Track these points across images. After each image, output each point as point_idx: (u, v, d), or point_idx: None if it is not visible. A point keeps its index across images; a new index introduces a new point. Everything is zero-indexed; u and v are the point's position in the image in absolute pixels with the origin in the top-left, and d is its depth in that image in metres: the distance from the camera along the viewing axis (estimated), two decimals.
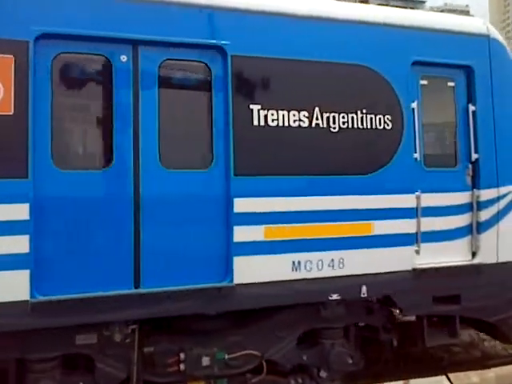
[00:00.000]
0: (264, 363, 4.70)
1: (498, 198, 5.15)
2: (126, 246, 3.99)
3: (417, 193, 4.81)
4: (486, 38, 5.21)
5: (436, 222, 4.93)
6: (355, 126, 4.62)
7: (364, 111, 4.65)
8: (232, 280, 4.22)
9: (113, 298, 3.94)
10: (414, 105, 4.85)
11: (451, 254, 5.02)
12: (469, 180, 5.12)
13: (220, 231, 4.22)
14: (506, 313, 5.30)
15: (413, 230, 4.82)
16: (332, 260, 4.53)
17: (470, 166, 5.11)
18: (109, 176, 3.97)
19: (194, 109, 4.29)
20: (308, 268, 4.46)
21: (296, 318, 4.73)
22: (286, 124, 4.39)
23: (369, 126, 4.66)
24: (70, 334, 4.11)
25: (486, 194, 5.09)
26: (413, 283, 4.80)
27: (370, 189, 4.65)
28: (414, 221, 4.82)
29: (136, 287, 4.04)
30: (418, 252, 4.84)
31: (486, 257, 5.09)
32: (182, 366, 4.40)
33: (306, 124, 4.46)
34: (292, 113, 4.41)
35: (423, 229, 4.87)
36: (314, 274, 4.47)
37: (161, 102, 4.09)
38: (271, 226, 4.35)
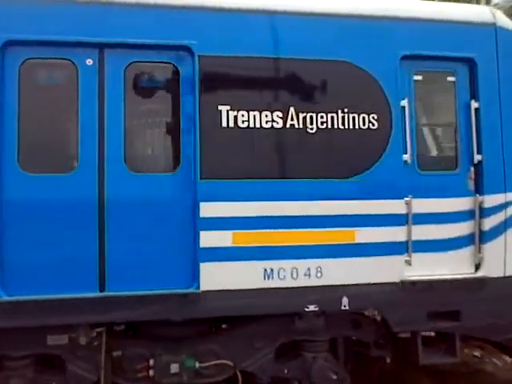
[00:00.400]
0: (239, 374, 4.59)
1: (506, 205, 4.71)
2: None
3: (407, 198, 4.51)
4: (491, 27, 4.80)
5: (432, 231, 4.60)
6: (335, 126, 4.40)
7: (345, 110, 4.42)
8: (199, 286, 4.16)
9: (76, 300, 4.01)
10: (405, 102, 4.54)
11: (450, 266, 4.65)
12: (471, 184, 4.73)
13: (186, 236, 4.17)
14: None
15: (402, 239, 4.52)
16: (308, 269, 4.34)
17: (472, 168, 4.72)
18: (72, 178, 4.05)
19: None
20: (281, 276, 4.30)
21: (274, 329, 4.57)
22: (258, 125, 4.28)
23: (350, 127, 4.43)
24: (41, 334, 4.23)
25: (490, 200, 4.68)
26: (402, 296, 4.50)
27: (352, 193, 4.42)
28: (403, 228, 4.51)
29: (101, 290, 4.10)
30: (408, 262, 4.53)
31: (491, 269, 4.68)
32: (151, 372, 4.40)
33: (279, 125, 4.31)
34: (264, 113, 4.29)
35: (415, 237, 4.55)
36: (288, 282, 4.31)
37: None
38: (240, 231, 4.24)
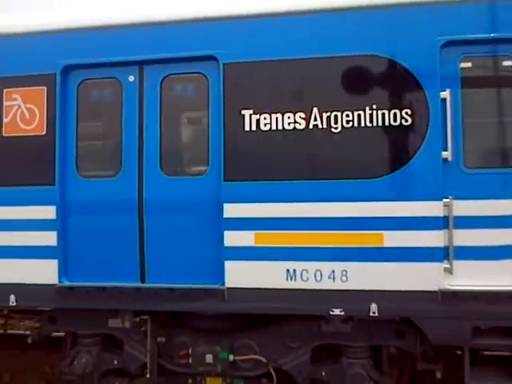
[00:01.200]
0: (272, 371, 4.82)
1: None
2: None
3: (446, 199, 4.21)
4: None
5: (481, 236, 4.21)
6: (362, 124, 4.33)
7: (374, 107, 4.32)
8: (224, 283, 4.52)
9: (122, 288, 4.71)
10: (446, 94, 4.23)
11: (504, 277, 4.20)
12: None
13: (213, 235, 4.56)
14: None
15: (440, 244, 4.23)
16: (333, 271, 4.37)
17: None
18: (117, 183, 4.75)
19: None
20: (304, 278, 4.41)
21: (308, 330, 4.69)
22: (280, 127, 4.45)
23: (380, 124, 4.31)
24: (104, 317, 5.05)
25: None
26: (441, 308, 4.22)
27: (380, 194, 4.30)
28: (441, 233, 4.22)
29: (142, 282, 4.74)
30: (449, 271, 4.22)
31: None
32: (190, 360, 4.90)
33: (302, 126, 4.42)
34: (287, 115, 4.44)
35: (458, 243, 4.22)
36: (312, 284, 4.40)
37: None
38: (262, 231, 4.47)
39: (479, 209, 4.21)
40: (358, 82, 4.37)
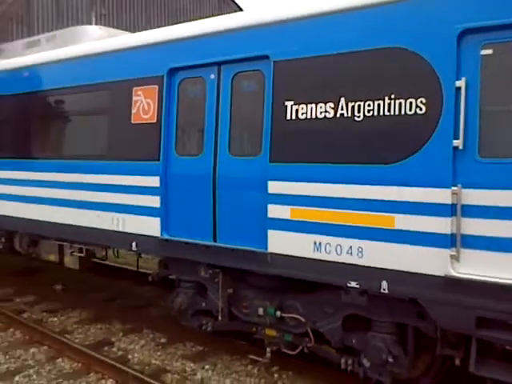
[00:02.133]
0: (310, 331, 5.62)
1: None
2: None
3: (455, 187, 4.39)
4: None
5: (492, 226, 4.28)
6: (381, 113, 4.77)
7: (392, 96, 4.70)
8: (267, 248, 5.51)
9: (198, 245, 6.11)
10: (461, 83, 4.37)
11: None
12: None
13: (261, 207, 5.56)
14: None
15: (448, 231, 4.44)
16: (350, 247, 4.96)
17: None
18: (200, 160, 6.11)
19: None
20: (327, 251, 5.10)
21: (339, 300, 5.35)
22: (314, 116, 5.17)
23: (396, 113, 4.68)
24: (196, 267, 6.53)
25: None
26: (445, 293, 4.45)
27: (393, 179, 4.69)
28: (449, 220, 4.43)
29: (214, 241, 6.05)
30: (456, 258, 4.42)
31: None
32: (248, 310, 6.04)
33: (331, 115, 5.06)
34: (319, 105, 5.13)
35: (467, 232, 4.38)
36: (333, 257, 5.07)
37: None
38: (296, 207, 5.29)
39: (492, 198, 4.28)
40: (381, 73, 4.80)
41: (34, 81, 8.15)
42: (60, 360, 6.99)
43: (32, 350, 7.29)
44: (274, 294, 5.92)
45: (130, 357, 7.06)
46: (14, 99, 8.52)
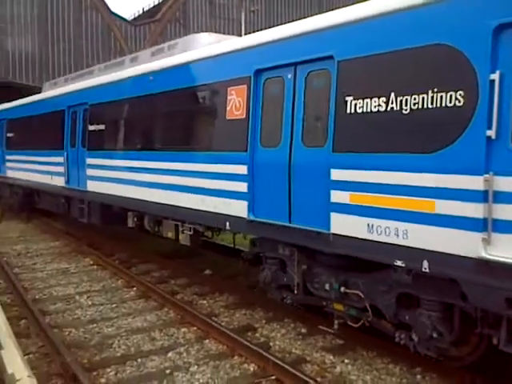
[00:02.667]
0: (368, 306, 6.22)
1: None
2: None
3: (487, 175, 4.74)
4: None
5: None
6: (425, 106, 5.23)
7: (435, 90, 5.15)
8: (329, 229, 6.24)
9: (276, 225, 7.02)
10: (495, 76, 4.69)
11: None
12: None
13: (326, 192, 6.29)
14: None
15: (480, 216, 4.80)
16: (396, 229, 5.50)
17: None
18: (279, 151, 6.99)
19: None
20: (378, 232, 5.70)
21: (391, 278, 5.90)
22: (369, 110, 5.77)
23: (438, 105, 5.12)
24: (278, 245, 7.45)
25: None
26: (477, 274, 4.84)
27: (433, 167, 5.15)
28: (481, 205, 4.79)
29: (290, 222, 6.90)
30: (487, 241, 4.77)
31: None
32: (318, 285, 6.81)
33: (383, 108, 5.63)
34: (373, 99, 5.72)
35: (498, 216, 4.72)
36: (383, 238, 5.65)
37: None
38: (354, 193, 5.95)
39: None
40: (425, 68, 5.26)
41: (155, 84, 9.71)
42: (207, 341, 7.44)
43: (183, 330, 7.89)
44: (340, 272, 6.61)
45: (271, 344, 7.34)
46: (143, 100, 10.20)
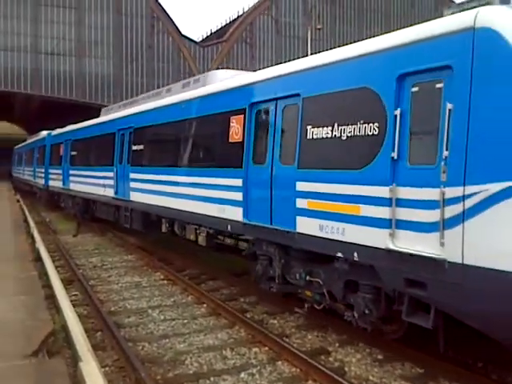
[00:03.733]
0: (326, 292, 8.05)
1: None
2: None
3: (391, 186, 6.54)
4: (469, 32, 5.74)
5: (416, 213, 6.34)
6: (354, 134, 7.11)
7: (361, 122, 7.01)
8: (295, 229, 8.17)
9: (259, 227, 9.01)
10: (398, 112, 6.49)
11: (424, 245, 6.22)
12: (444, 176, 5.97)
13: (293, 200, 8.23)
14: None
15: (387, 217, 6.60)
16: (337, 228, 7.35)
17: (442, 162, 5.95)
18: (264, 168, 9.01)
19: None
20: (326, 230, 7.56)
21: (339, 268, 7.72)
22: (320, 136, 7.69)
23: (363, 133, 6.98)
24: (265, 243, 9.42)
25: (452, 192, 5.84)
26: (386, 261, 6.61)
27: (359, 180, 6.97)
28: (388, 209, 6.58)
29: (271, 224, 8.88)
30: (392, 235, 6.55)
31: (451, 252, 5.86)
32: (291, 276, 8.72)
33: (329, 135, 7.53)
34: (324, 128, 7.64)
35: (399, 217, 6.49)
36: (329, 235, 7.50)
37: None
38: (311, 200, 7.85)
39: (415, 194, 6.34)
40: (355, 105, 7.16)
41: (176, 113, 12.07)
42: (280, 363, 7.44)
43: (254, 350, 7.96)
44: (306, 264, 8.47)
45: (346, 369, 7.22)
46: (170, 125, 12.59)
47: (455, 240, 5.77)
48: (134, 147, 15.20)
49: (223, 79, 11.40)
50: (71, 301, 9.41)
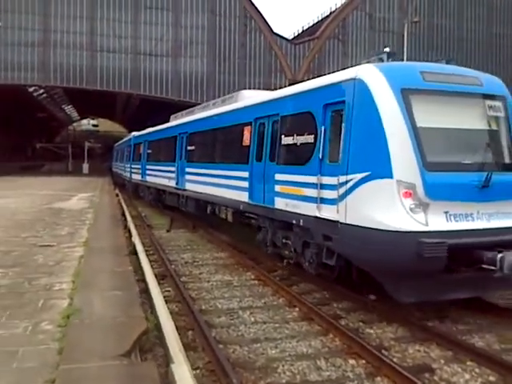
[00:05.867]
0: (293, 250, 12.46)
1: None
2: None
3: (318, 176, 10.89)
4: (352, 81, 9.99)
5: (328, 193, 10.65)
6: (301, 142, 11.54)
7: (305, 134, 11.42)
8: (274, 206, 12.71)
9: (258, 205, 13.65)
10: (322, 128, 10.82)
11: (330, 213, 10.53)
12: (340, 170, 10.25)
13: (274, 186, 12.78)
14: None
15: (316, 196, 10.95)
16: (293, 204, 11.78)
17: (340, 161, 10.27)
18: (261, 164, 13.62)
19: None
20: (288, 206, 12.01)
21: (297, 232, 12.13)
22: (288, 143, 12.17)
23: (305, 142, 11.39)
24: (262, 218, 14.04)
25: (342, 179, 10.12)
26: (315, 224, 10.98)
27: (303, 172, 11.37)
28: (316, 190, 10.94)
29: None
30: (318, 208, 10.90)
31: (341, 216, 10.13)
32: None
33: (291, 142, 12.01)
34: (288, 137, 12.12)
35: (323, 196, 10.80)
36: (289, 209, 11.95)
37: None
38: (281, 185, 12.37)
39: (328, 181, 10.63)
40: (303, 123, 11.57)
41: (212, 123, 17.08)
42: (379, 379, 7.19)
43: (351, 362, 7.79)
44: (283, 231, 12.92)
45: None
46: (203, 133, 17.76)
47: (343, 209, 10.04)
48: (188, 147, 20.85)
49: (247, 98, 16.17)
50: (164, 297, 9.79)
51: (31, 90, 73.13)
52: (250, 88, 57.84)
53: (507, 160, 9.87)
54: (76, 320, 7.60)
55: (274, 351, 8.29)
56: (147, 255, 13.82)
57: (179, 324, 8.98)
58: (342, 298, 11.27)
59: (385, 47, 35.84)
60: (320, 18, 69.30)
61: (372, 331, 9.29)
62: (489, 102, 9.91)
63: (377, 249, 9.07)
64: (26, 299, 8.83)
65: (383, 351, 8.07)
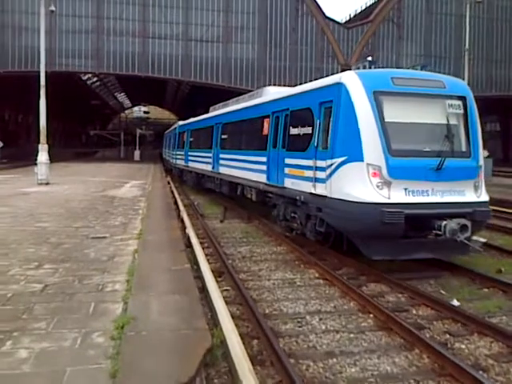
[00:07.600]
0: (299, 223, 15.91)
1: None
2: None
3: (314, 159, 14.27)
4: (337, 84, 13.31)
5: (320, 174, 14.03)
6: (303, 132, 14.96)
7: (306, 126, 14.83)
8: (283, 185, 16.21)
9: (274, 185, 17.17)
10: (318, 121, 14.20)
11: (322, 189, 13.92)
12: (328, 154, 13.60)
13: (283, 168, 16.27)
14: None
15: (312, 176, 14.34)
16: (297, 183, 15.22)
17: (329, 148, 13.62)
18: (275, 150, 17.13)
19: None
20: (294, 185, 15.46)
21: (301, 207, 15.57)
22: (295, 133, 15.62)
23: (306, 132, 14.80)
24: (275, 197, 17.56)
25: (329, 162, 13.47)
26: (311, 199, 14.39)
27: (305, 157, 14.76)
28: (312, 172, 14.34)
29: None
30: (313, 186, 14.30)
31: (328, 191, 13.49)
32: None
33: (296, 132, 15.45)
34: (295, 128, 15.57)
35: (317, 176, 14.19)
36: (295, 187, 15.39)
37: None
38: (289, 168, 15.84)
39: (321, 164, 14.02)
40: (304, 116, 14.99)
41: (240, 115, 20.72)
42: None
43: None
44: (292, 207, 16.34)
45: None
46: (233, 124, 21.48)
47: (329, 186, 13.43)
48: (222, 136, 24.82)
49: (271, 94, 19.68)
50: (224, 297, 9.49)
51: (85, 77, 77.90)
52: (301, 74, 60.81)
53: (460, 149, 12.98)
54: (131, 332, 6.91)
55: (353, 369, 7.55)
56: (202, 248, 13.91)
57: (242, 331, 8.60)
58: (419, 302, 10.60)
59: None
60: (374, 1, 70.50)
61: (463, 346, 8.48)
62: (449, 101, 13.00)
63: (351, 216, 12.40)
64: (76, 302, 8.18)
65: (481, 372, 7.32)
